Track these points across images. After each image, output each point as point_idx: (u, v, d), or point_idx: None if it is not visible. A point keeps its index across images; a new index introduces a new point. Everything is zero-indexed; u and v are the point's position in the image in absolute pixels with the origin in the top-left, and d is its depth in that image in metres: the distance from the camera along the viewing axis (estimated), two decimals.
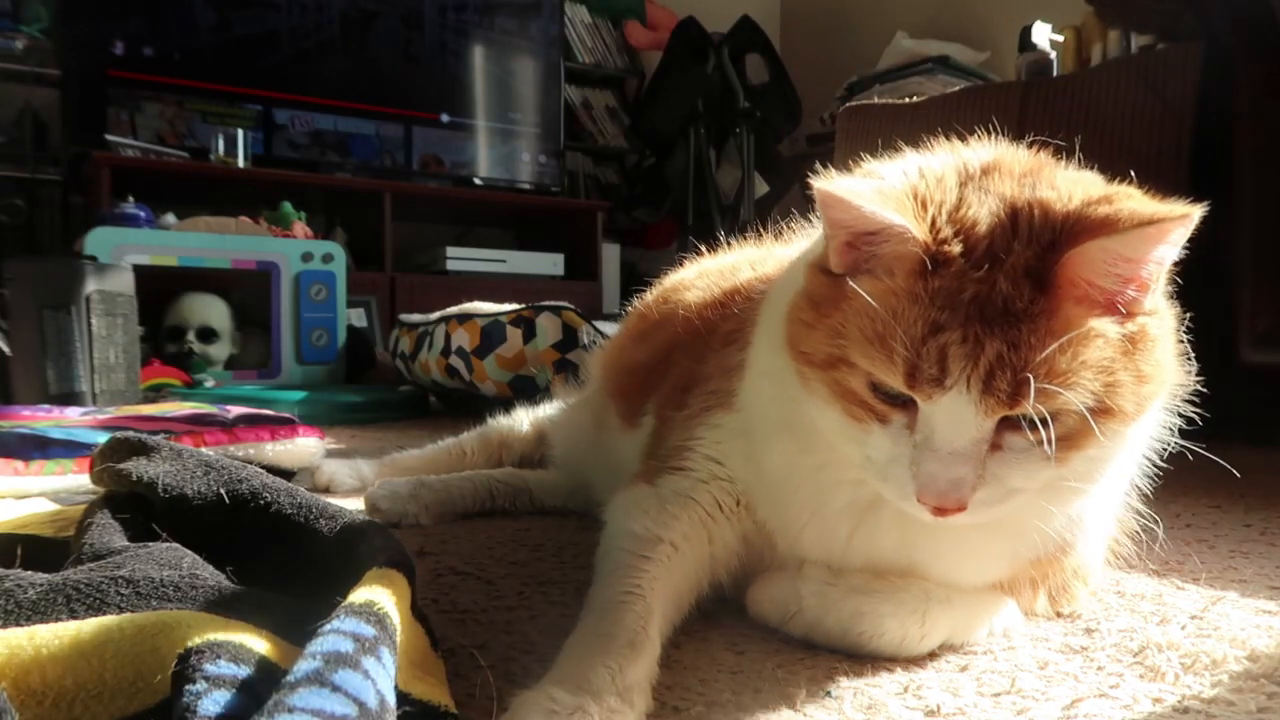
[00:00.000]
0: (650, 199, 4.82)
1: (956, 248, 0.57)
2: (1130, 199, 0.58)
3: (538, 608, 0.80)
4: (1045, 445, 0.56)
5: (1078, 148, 0.70)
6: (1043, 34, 2.84)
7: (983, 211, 0.59)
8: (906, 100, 2.51)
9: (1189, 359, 0.66)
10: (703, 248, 1.17)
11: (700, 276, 1.06)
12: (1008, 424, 0.57)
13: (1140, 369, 0.58)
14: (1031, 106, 2.11)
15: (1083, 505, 0.67)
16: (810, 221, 1.03)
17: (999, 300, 0.55)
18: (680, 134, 4.46)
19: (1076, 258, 0.55)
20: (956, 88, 2.49)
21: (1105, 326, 0.57)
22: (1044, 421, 0.55)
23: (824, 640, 0.69)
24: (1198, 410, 0.67)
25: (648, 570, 0.68)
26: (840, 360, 0.60)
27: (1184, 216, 0.54)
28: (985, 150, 0.68)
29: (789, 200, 4.48)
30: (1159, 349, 0.60)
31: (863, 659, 0.67)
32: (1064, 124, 2.04)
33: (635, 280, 1.24)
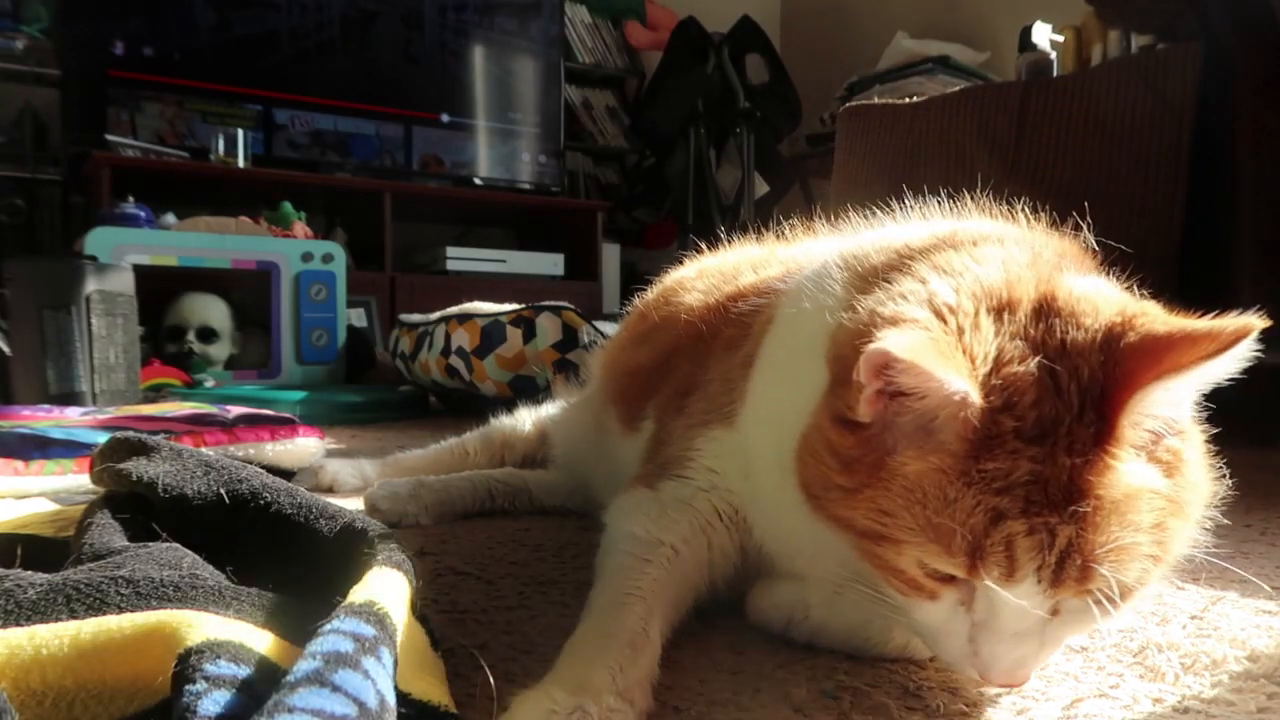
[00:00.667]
0: (650, 199, 4.82)
1: (1009, 420, 0.51)
2: (1151, 319, 0.54)
3: (538, 608, 0.80)
4: (1108, 612, 0.53)
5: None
6: (1043, 34, 2.84)
7: (1026, 372, 0.52)
8: (907, 100, 2.51)
9: (1218, 466, 0.60)
10: (703, 245, 1.16)
11: (701, 276, 1.05)
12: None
13: (1180, 500, 0.54)
14: (1031, 106, 2.11)
15: None
16: (811, 223, 1.03)
17: (1061, 477, 0.50)
18: (680, 134, 4.46)
19: (1134, 407, 0.51)
20: (957, 88, 2.49)
21: (1148, 475, 0.52)
22: (1108, 596, 0.52)
23: (828, 645, 0.69)
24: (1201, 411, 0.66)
25: (648, 572, 0.68)
26: (886, 539, 0.54)
27: (1245, 331, 0.50)
28: (986, 251, 0.62)
29: (789, 200, 4.48)
30: (1193, 471, 0.55)
31: (864, 659, 0.67)
32: (1064, 124, 2.04)
33: (635, 280, 1.23)
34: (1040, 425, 0.51)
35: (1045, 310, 0.56)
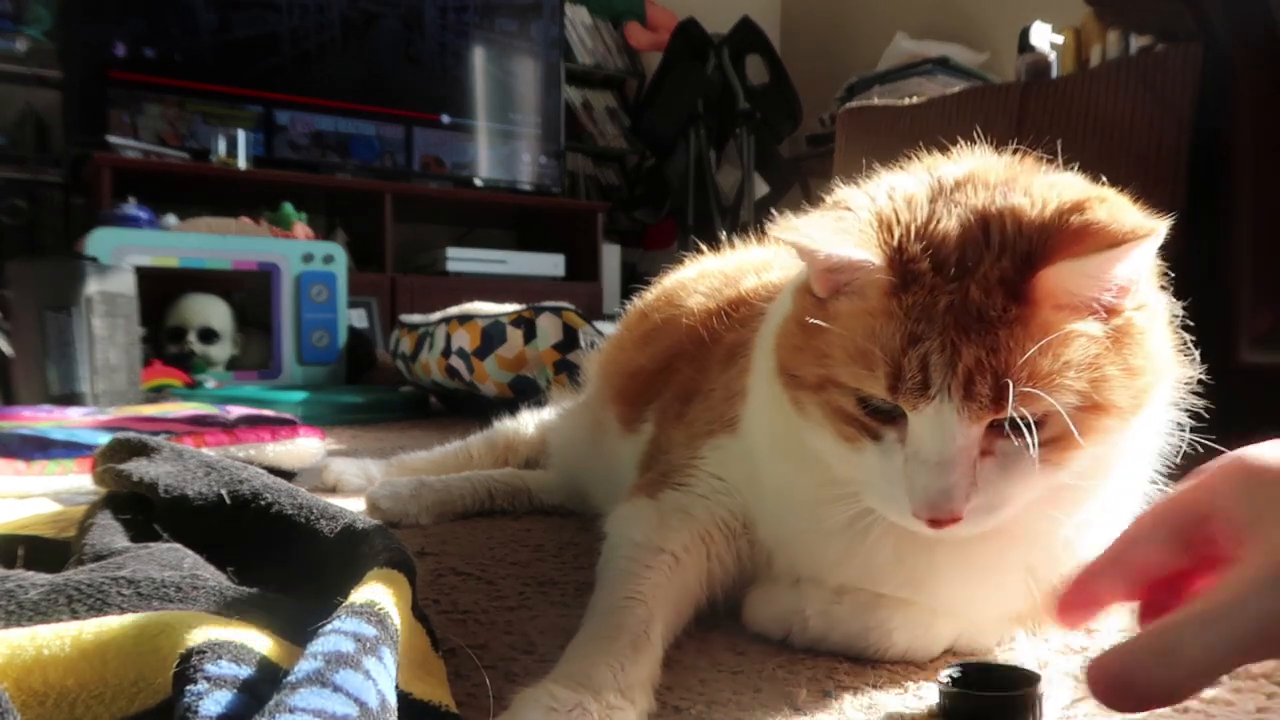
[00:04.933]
0: (650, 200, 4.82)
1: (925, 264, 0.57)
2: (1103, 205, 0.58)
3: (538, 608, 0.80)
4: (1030, 449, 0.56)
5: (1059, 150, 0.69)
6: (1042, 35, 2.84)
7: (952, 224, 0.59)
8: (906, 101, 2.51)
9: (1190, 349, 0.64)
10: (704, 246, 1.16)
11: (701, 277, 1.05)
12: (998, 430, 0.57)
13: (1130, 362, 0.57)
14: (1031, 107, 2.11)
15: (1093, 510, 0.65)
16: None
17: (974, 309, 0.55)
18: (680, 135, 4.46)
19: (1048, 276, 0.55)
20: (956, 89, 2.49)
21: (1087, 326, 0.56)
22: (1028, 425, 0.55)
23: (827, 650, 0.69)
24: (1201, 409, 0.66)
25: (649, 578, 0.68)
26: (828, 381, 0.60)
27: (1149, 234, 0.54)
28: (964, 162, 0.68)
29: (789, 201, 4.48)
30: (1149, 340, 0.59)
31: (864, 660, 0.67)
32: (1063, 125, 2.04)
33: (636, 281, 1.23)
34: (961, 266, 0.57)
35: (999, 185, 0.62)
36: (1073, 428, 0.56)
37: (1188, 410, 0.66)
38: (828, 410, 0.62)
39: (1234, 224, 1.80)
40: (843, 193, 0.65)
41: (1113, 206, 0.58)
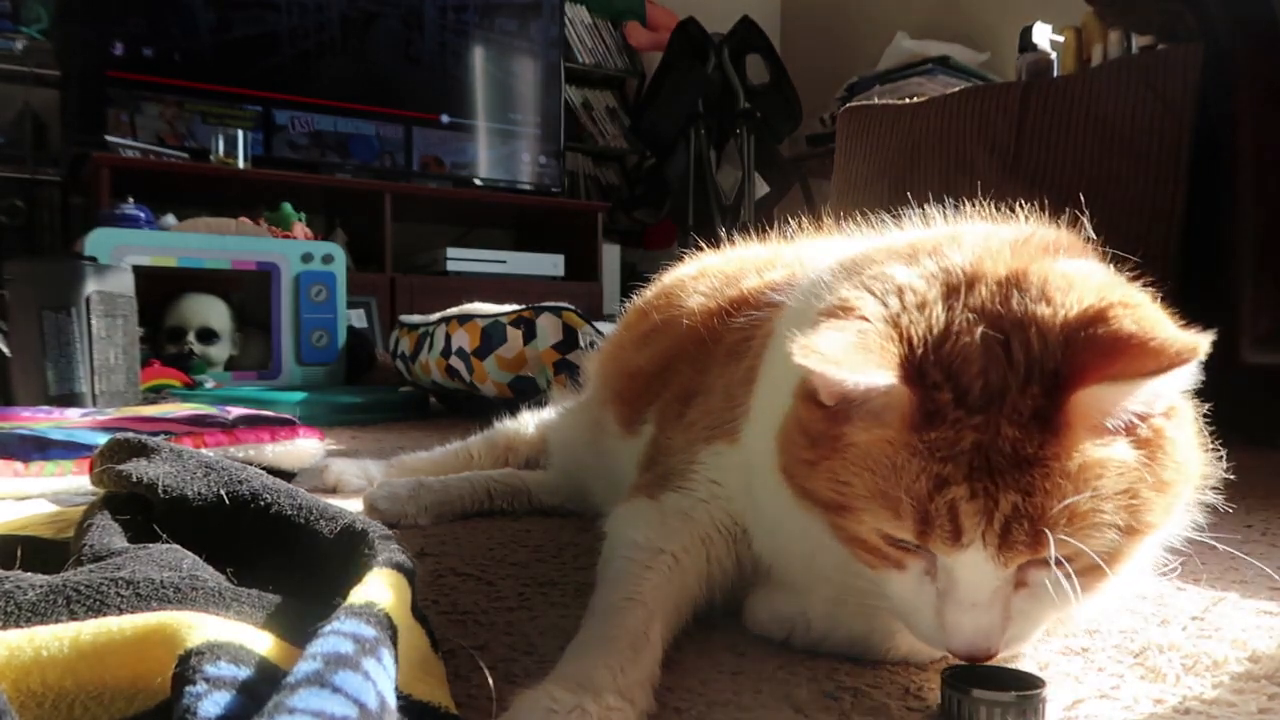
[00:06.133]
0: (651, 200, 4.82)
1: (947, 394, 0.53)
2: (1128, 313, 0.53)
3: (538, 609, 0.80)
4: (1070, 582, 0.53)
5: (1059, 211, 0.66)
6: (1043, 34, 2.84)
7: (971, 342, 0.54)
8: (907, 101, 2.51)
9: (1215, 446, 0.61)
10: (704, 244, 1.16)
11: (702, 275, 1.05)
12: (1032, 561, 0.54)
13: (1162, 476, 0.54)
14: (1032, 107, 2.11)
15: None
16: (815, 222, 1.03)
17: (1005, 447, 0.51)
18: (681, 134, 4.46)
19: (1081, 400, 0.51)
20: (957, 88, 2.49)
21: (1121, 452, 0.53)
22: (1068, 559, 0.52)
23: (829, 652, 0.69)
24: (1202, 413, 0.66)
25: (649, 579, 0.68)
26: (845, 509, 0.57)
27: (1190, 357, 0.50)
28: (966, 243, 0.62)
29: (789, 201, 4.48)
30: (1179, 450, 0.55)
31: (865, 662, 0.67)
32: (1064, 125, 2.04)
33: (635, 281, 1.23)
34: (986, 395, 0.52)
35: (1012, 285, 0.57)
36: (1103, 566, 0.53)
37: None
38: (843, 535, 0.59)
39: (1235, 224, 1.80)
40: (851, 295, 0.59)
41: (1139, 315, 0.53)
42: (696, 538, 0.74)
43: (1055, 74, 2.58)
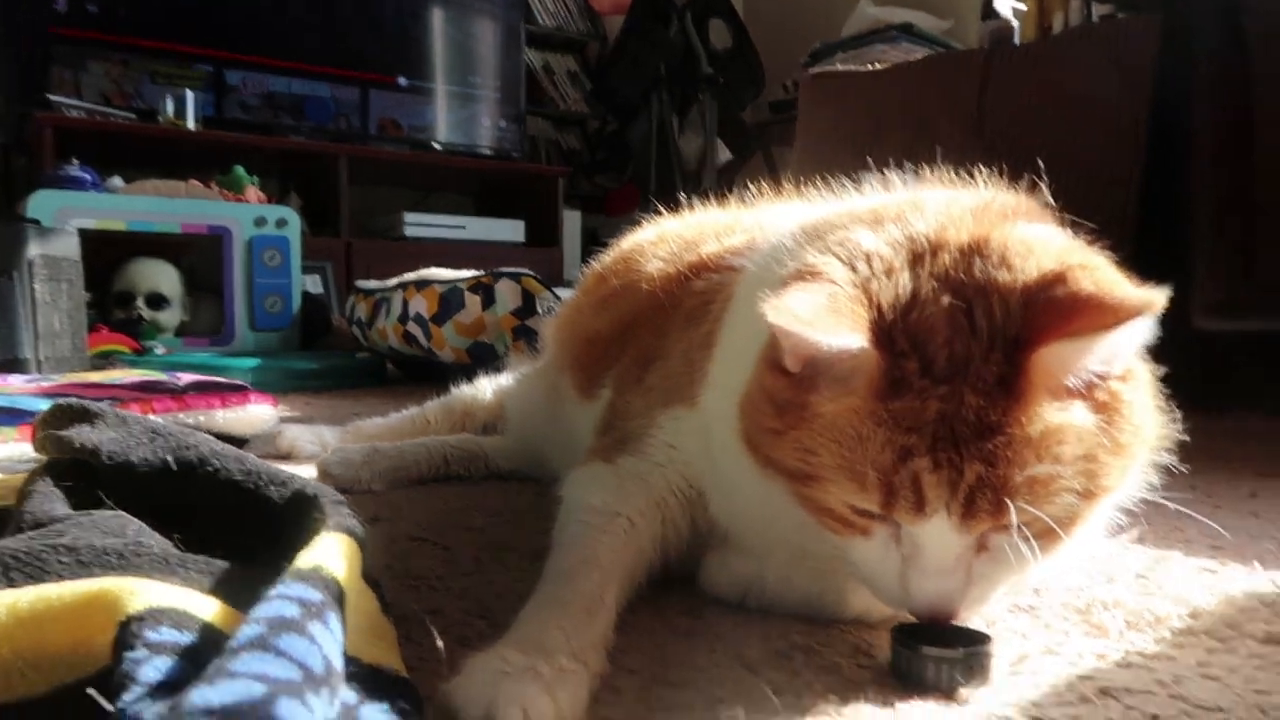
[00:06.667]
0: (612, 165, 4.79)
1: (914, 363, 0.53)
2: (1087, 274, 0.54)
3: (494, 573, 0.80)
4: (1029, 545, 0.54)
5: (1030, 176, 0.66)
6: (1005, 2, 2.84)
7: (936, 311, 0.54)
8: (870, 68, 2.50)
9: (1171, 408, 0.62)
10: (663, 209, 1.15)
11: (661, 240, 1.04)
12: (994, 527, 0.55)
13: (1119, 439, 0.55)
14: (994, 75, 2.11)
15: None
16: (776, 188, 1.02)
17: (969, 415, 0.52)
18: (643, 99, 4.42)
19: (1040, 359, 0.52)
20: (920, 55, 2.49)
21: (1080, 416, 0.53)
22: (1028, 524, 0.53)
23: (784, 612, 0.69)
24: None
25: (605, 541, 0.68)
26: (812, 479, 0.57)
27: (1144, 309, 0.51)
28: (929, 210, 0.62)
29: (752, 168, 4.47)
30: (1135, 413, 0.56)
31: (819, 621, 0.68)
32: (1026, 92, 2.05)
33: (597, 247, 1.22)
34: (950, 364, 0.53)
35: (974, 252, 0.57)
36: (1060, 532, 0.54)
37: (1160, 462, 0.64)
38: (810, 505, 0.59)
39: (1192, 193, 1.82)
40: (819, 260, 0.59)
41: (1097, 275, 0.55)
42: (652, 501, 0.74)
43: (1017, 41, 2.58)
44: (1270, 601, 0.73)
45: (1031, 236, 0.59)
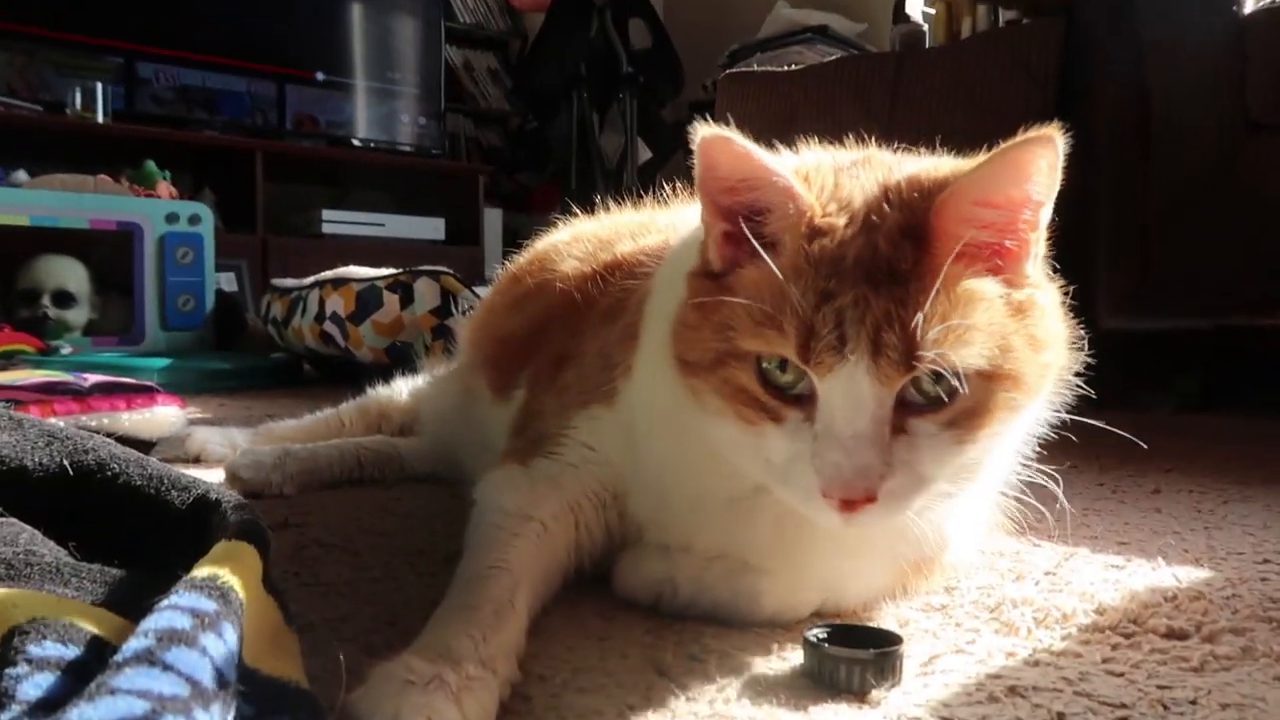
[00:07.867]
0: (533, 163, 4.76)
1: (837, 218, 0.58)
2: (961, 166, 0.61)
3: (404, 579, 0.78)
4: (950, 431, 0.57)
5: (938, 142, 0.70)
6: (916, 6, 2.90)
7: (856, 188, 0.61)
8: (786, 69, 2.53)
9: (1080, 341, 0.66)
10: (578, 210, 1.14)
11: (575, 241, 1.04)
12: (909, 408, 0.57)
13: (1034, 334, 0.58)
14: (905, 77, 2.15)
15: (967, 497, 0.67)
16: (692, 189, 1.02)
17: (882, 262, 0.56)
18: (563, 97, 4.40)
19: (946, 204, 0.57)
20: (834, 57, 2.52)
21: (990, 287, 0.58)
22: (943, 393, 0.56)
23: (697, 615, 0.69)
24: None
25: (516, 546, 0.67)
26: (729, 355, 0.59)
27: (1043, 139, 0.56)
28: (856, 151, 0.70)
29: (672, 166, 4.48)
30: (1049, 319, 0.61)
31: (732, 625, 0.68)
32: (936, 93, 2.09)
33: (518, 246, 1.21)
34: (867, 219, 0.58)
35: (895, 165, 0.64)
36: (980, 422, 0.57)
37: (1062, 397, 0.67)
38: (727, 391, 0.60)
39: (1094, 192, 1.87)
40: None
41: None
42: (566, 504, 0.73)
43: (927, 45, 2.63)
44: (1171, 596, 0.75)
45: (931, 162, 0.65)
